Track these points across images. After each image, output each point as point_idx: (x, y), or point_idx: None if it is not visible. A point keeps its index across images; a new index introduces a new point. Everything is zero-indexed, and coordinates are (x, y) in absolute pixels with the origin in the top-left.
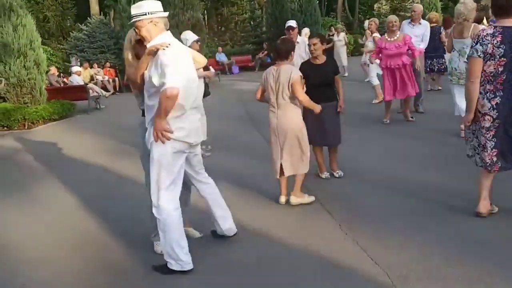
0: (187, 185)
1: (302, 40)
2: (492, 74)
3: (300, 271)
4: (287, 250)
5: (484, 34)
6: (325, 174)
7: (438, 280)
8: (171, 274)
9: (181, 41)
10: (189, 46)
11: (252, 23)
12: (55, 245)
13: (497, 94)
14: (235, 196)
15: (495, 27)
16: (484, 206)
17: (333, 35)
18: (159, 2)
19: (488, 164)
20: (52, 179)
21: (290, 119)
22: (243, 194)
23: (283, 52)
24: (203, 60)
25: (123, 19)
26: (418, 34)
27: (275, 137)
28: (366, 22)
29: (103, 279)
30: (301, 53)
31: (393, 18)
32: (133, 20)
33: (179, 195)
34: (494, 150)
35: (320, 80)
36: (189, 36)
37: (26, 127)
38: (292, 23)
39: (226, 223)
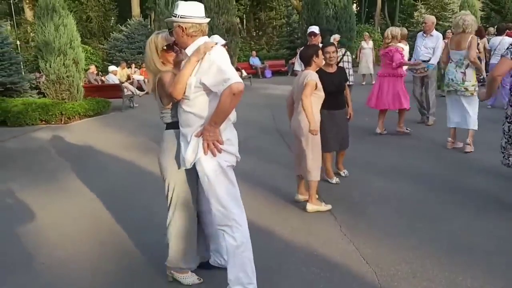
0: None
1: None
2: None
3: (294, 264)
4: (286, 245)
5: None
6: (336, 179)
7: (423, 280)
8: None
9: None
10: None
11: (288, 28)
12: (73, 230)
13: None
14: (248, 194)
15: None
16: None
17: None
18: (196, 4)
19: None
20: (82, 170)
21: (301, 123)
22: (256, 192)
23: (306, 58)
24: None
25: (161, 21)
26: (429, 46)
27: (295, 139)
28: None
29: (114, 262)
30: None
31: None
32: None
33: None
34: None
35: (335, 88)
36: (218, 39)
37: (62, 122)
38: (315, 29)
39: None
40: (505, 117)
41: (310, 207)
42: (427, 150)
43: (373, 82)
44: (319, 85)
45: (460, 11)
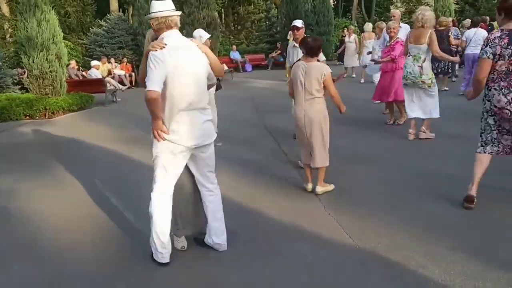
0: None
1: None
2: (504, 72)
3: (283, 240)
4: (276, 224)
5: (493, 37)
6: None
7: (403, 251)
8: (152, 261)
9: (193, 37)
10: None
11: (267, 22)
12: (73, 217)
13: (511, 89)
14: (237, 180)
15: (501, 30)
16: (475, 189)
17: (345, 36)
18: (157, 3)
19: (509, 147)
20: (71, 163)
21: (317, 112)
22: (244, 179)
23: (315, 49)
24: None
25: (141, 16)
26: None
27: (302, 129)
28: (368, 25)
29: (116, 244)
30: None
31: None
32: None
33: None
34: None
35: None
36: (203, 33)
37: (46, 117)
38: (297, 22)
39: (219, 238)
40: (486, 112)
41: (320, 189)
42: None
43: (353, 75)
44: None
45: (435, 4)
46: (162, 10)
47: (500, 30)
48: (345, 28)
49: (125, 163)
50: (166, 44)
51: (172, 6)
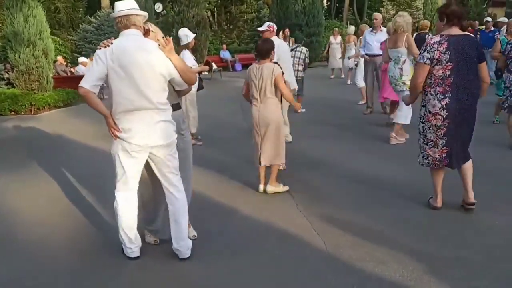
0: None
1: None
2: (441, 78)
3: (254, 237)
4: (249, 221)
5: (432, 42)
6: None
7: (365, 247)
8: (123, 255)
9: (180, 37)
10: (189, 42)
11: (258, 22)
12: (51, 212)
13: (446, 95)
14: (215, 179)
15: (441, 35)
16: (440, 201)
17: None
18: (120, 3)
19: (437, 160)
20: (54, 158)
21: (271, 112)
22: (222, 178)
23: (264, 52)
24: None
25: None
26: (381, 41)
27: (256, 129)
28: (351, 28)
29: (90, 240)
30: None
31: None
32: None
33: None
34: (444, 148)
35: None
36: (188, 32)
37: (32, 113)
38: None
39: (177, 244)
40: (419, 117)
41: (270, 188)
42: (379, 141)
43: (342, 76)
44: None
45: (424, 8)
46: (120, 9)
47: (440, 36)
48: (334, 29)
49: (106, 159)
50: (112, 43)
51: (134, 6)
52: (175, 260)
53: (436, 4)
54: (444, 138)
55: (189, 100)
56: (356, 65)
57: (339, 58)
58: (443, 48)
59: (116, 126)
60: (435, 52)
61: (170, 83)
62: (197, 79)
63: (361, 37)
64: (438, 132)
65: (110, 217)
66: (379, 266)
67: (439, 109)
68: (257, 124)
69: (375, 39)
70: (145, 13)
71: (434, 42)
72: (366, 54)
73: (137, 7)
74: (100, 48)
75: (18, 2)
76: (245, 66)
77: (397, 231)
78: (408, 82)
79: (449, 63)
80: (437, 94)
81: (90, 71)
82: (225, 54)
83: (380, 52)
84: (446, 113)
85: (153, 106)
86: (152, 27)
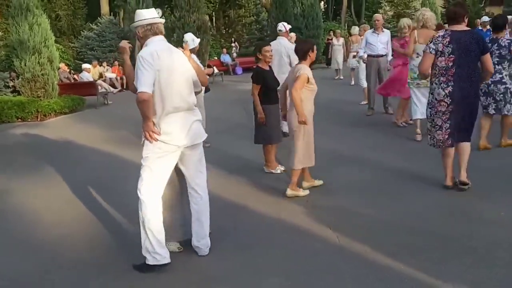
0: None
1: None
2: (444, 68)
3: (266, 232)
4: (260, 218)
5: (437, 35)
6: (280, 169)
7: (375, 240)
8: (150, 271)
9: (188, 42)
10: (196, 46)
11: (257, 26)
12: (68, 212)
13: (449, 84)
14: (224, 179)
15: (445, 30)
16: (449, 180)
17: (331, 39)
18: (143, 11)
19: (441, 141)
20: (63, 162)
21: (293, 116)
22: (231, 178)
23: (300, 53)
24: (195, 65)
25: (131, 19)
26: (384, 41)
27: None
28: (355, 28)
29: (109, 238)
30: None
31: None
32: None
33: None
34: (448, 130)
35: (276, 84)
36: (194, 37)
37: (38, 119)
38: (281, 26)
39: (198, 242)
40: (427, 104)
41: (289, 192)
42: (387, 138)
43: (341, 77)
44: (312, 79)
45: (421, 8)
46: (147, 18)
47: (445, 30)
48: (330, 32)
49: (115, 163)
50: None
51: (156, 14)
52: (190, 254)
53: (434, 4)
54: (448, 122)
55: (197, 102)
56: (359, 63)
57: (342, 59)
58: (446, 42)
59: (156, 129)
60: (439, 44)
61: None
62: None
63: (361, 37)
64: (443, 116)
65: (122, 219)
66: (391, 257)
67: (443, 96)
68: (289, 127)
69: (378, 40)
70: (163, 20)
71: (439, 36)
72: (369, 55)
73: (157, 15)
74: (121, 51)
75: (23, 11)
76: (246, 70)
77: (408, 223)
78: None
79: (451, 55)
80: (441, 83)
81: (145, 76)
82: (226, 58)
83: (384, 53)
84: (450, 100)
85: (188, 107)
86: None
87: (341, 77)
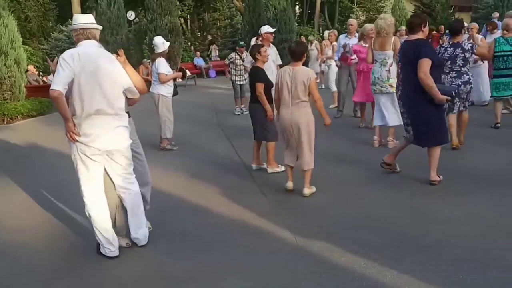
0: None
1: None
2: (398, 74)
3: (227, 232)
4: (224, 218)
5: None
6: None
7: (333, 240)
8: (100, 254)
9: (157, 45)
10: (165, 50)
11: (231, 29)
12: (29, 217)
13: (399, 88)
14: (188, 182)
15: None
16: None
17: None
18: (83, 15)
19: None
20: (28, 167)
21: (303, 115)
22: (195, 180)
23: (298, 54)
24: (133, 74)
25: (103, 21)
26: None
27: (290, 131)
28: (326, 33)
29: (69, 242)
30: None
31: (370, 26)
32: None
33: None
34: (408, 126)
35: (272, 83)
36: (164, 40)
37: (5, 122)
38: (270, 28)
39: (136, 233)
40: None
41: (307, 191)
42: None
43: (317, 80)
44: None
45: (392, 13)
46: (82, 23)
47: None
48: (300, 37)
49: None
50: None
51: (93, 20)
52: (151, 255)
53: (404, 10)
54: (404, 120)
55: (165, 106)
56: (329, 68)
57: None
58: (399, 50)
59: (75, 130)
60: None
61: (125, 91)
62: (172, 85)
63: (334, 43)
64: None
65: (84, 220)
66: (345, 256)
67: (398, 98)
68: (291, 127)
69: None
70: (100, 27)
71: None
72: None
73: (95, 22)
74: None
75: None
76: (219, 73)
77: (366, 222)
78: (394, 85)
79: (399, 63)
80: (397, 87)
81: (60, 75)
82: (199, 61)
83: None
84: (401, 102)
85: (113, 112)
86: None
87: (318, 80)
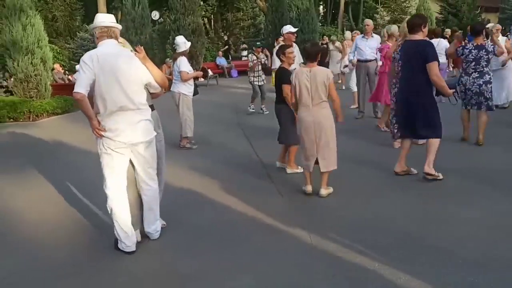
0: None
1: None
2: (396, 72)
3: (241, 230)
4: (238, 216)
5: (398, 45)
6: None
7: (345, 240)
8: (118, 250)
9: (179, 44)
10: (187, 49)
11: (254, 29)
12: (51, 211)
13: (396, 85)
14: (207, 180)
15: (405, 40)
16: (398, 165)
17: (325, 43)
18: (105, 15)
19: (392, 134)
20: (52, 162)
21: (325, 116)
22: (214, 179)
23: (313, 54)
24: (153, 69)
25: (127, 21)
26: (373, 46)
27: (310, 134)
28: (347, 33)
29: (89, 237)
30: None
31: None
32: None
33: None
34: (395, 124)
35: None
36: (186, 40)
37: (31, 119)
38: (292, 28)
39: (149, 228)
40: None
41: (324, 191)
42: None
43: (339, 81)
44: None
45: (417, 13)
46: (105, 21)
47: (404, 40)
48: (323, 37)
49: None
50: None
51: (114, 20)
52: (166, 251)
53: (429, 10)
54: (395, 118)
55: (185, 104)
56: (347, 68)
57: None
58: (399, 50)
59: (101, 127)
60: (397, 52)
61: (146, 86)
62: (193, 84)
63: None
64: (393, 112)
65: (104, 216)
66: (359, 257)
67: (392, 96)
68: (311, 129)
69: (367, 45)
70: (121, 27)
71: (399, 45)
72: (358, 60)
73: (115, 21)
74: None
75: (17, 12)
76: (241, 73)
77: (379, 223)
78: None
79: (399, 61)
80: (394, 84)
81: (82, 77)
82: (221, 61)
83: (372, 58)
84: (395, 99)
85: (135, 107)
86: (120, 39)
87: (339, 81)
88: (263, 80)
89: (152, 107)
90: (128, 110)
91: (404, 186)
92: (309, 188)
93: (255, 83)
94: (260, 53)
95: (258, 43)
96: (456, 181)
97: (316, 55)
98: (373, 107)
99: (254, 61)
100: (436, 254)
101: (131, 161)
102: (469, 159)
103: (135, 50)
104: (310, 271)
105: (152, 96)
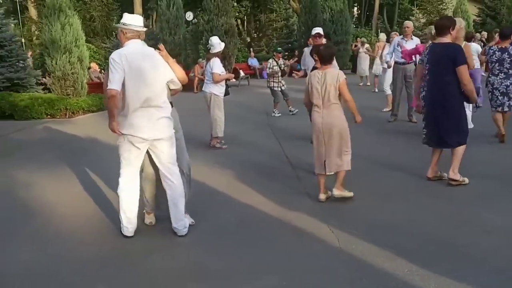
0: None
1: None
2: (424, 75)
3: (269, 231)
4: (265, 217)
5: (426, 47)
6: None
7: (374, 244)
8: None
9: (214, 45)
10: (221, 50)
11: (287, 30)
12: (81, 206)
13: (424, 89)
14: (235, 179)
15: (432, 42)
16: (430, 170)
17: (357, 46)
18: (137, 17)
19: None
20: (86, 158)
21: (335, 118)
22: (243, 178)
23: (328, 57)
24: (174, 65)
25: (162, 22)
26: (411, 48)
27: (320, 136)
28: (381, 34)
29: (113, 235)
30: None
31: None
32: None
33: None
34: (424, 129)
35: None
36: (220, 41)
37: (67, 116)
38: (320, 30)
39: (176, 224)
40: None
41: (337, 192)
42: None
43: (368, 83)
44: None
45: (454, 16)
46: (139, 25)
47: (431, 43)
48: (357, 38)
49: None
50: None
51: (142, 22)
52: (194, 249)
53: (467, 12)
54: (424, 121)
55: (216, 105)
56: (384, 70)
57: (367, 66)
58: (426, 53)
59: (117, 128)
60: (424, 55)
61: (167, 83)
62: (224, 85)
63: (387, 44)
64: (423, 116)
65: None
66: (388, 262)
67: (422, 98)
68: (321, 131)
69: (406, 47)
70: (146, 29)
71: (426, 47)
72: (395, 62)
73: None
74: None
75: (56, 11)
76: None
77: (408, 228)
78: None
79: (427, 65)
80: (423, 87)
81: (114, 75)
82: (253, 62)
83: (410, 60)
84: (423, 102)
85: (157, 104)
86: None
87: (368, 84)
88: (283, 85)
89: (171, 104)
90: (150, 107)
91: (436, 191)
92: (322, 197)
93: (275, 88)
94: (281, 58)
95: (279, 48)
96: (487, 186)
97: (330, 57)
98: (407, 111)
99: (274, 67)
100: (469, 262)
101: (151, 157)
102: (505, 165)
103: (158, 49)
104: (337, 274)
105: (171, 92)
